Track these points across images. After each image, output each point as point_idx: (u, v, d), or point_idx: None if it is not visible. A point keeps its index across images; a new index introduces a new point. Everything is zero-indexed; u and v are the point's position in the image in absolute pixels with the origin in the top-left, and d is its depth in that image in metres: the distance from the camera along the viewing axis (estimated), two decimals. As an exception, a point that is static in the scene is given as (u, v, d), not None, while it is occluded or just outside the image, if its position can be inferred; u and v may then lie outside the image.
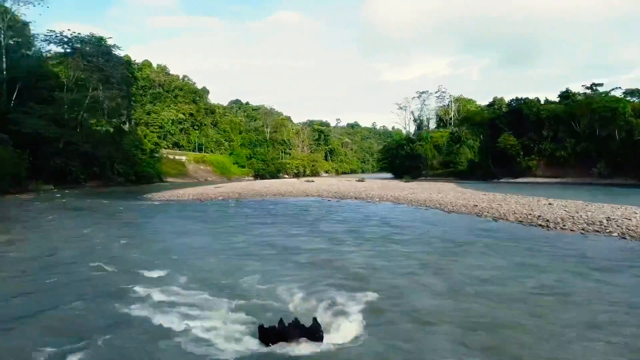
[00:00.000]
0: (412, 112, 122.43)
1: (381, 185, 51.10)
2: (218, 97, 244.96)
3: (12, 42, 55.87)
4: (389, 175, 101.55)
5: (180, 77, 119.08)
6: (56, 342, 6.87)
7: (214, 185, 53.51)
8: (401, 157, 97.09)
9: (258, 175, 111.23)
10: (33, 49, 61.48)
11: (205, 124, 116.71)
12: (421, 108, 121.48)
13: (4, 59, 52.02)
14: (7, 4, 54.98)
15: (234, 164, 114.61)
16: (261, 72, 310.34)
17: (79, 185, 53.84)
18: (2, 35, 53.42)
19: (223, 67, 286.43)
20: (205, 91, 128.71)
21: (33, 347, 6.72)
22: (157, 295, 9.14)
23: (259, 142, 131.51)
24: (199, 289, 9.59)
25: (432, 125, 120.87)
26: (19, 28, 57.34)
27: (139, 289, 9.53)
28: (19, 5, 56.17)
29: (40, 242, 16.17)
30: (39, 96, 54.68)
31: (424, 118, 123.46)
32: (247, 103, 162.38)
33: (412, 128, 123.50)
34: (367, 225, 20.03)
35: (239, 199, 35.62)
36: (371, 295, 9.02)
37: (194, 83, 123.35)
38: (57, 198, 39.20)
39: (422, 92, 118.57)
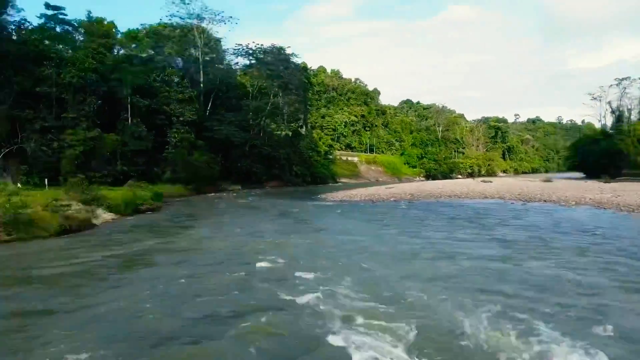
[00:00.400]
0: (609, 102, 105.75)
1: (574, 186, 44.77)
2: (389, 98, 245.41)
3: (208, 58, 62.79)
4: (580, 174, 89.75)
5: (353, 80, 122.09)
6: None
7: (386, 186, 52.90)
8: (595, 153, 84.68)
9: (429, 176, 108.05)
10: (224, 62, 68.42)
11: (376, 125, 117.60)
12: (621, 97, 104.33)
13: (201, 73, 58.70)
14: (204, 24, 62.24)
15: (404, 164, 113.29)
16: (432, 70, 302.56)
17: (261, 186, 58.18)
18: (200, 53, 60.43)
19: (393, 68, 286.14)
20: (376, 92, 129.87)
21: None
22: (322, 300, 8.64)
23: (431, 141, 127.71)
24: (367, 299, 8.74)
25: (635, 116, 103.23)
26: (213, 45, 64.28)
27: (304, 293, 9.15)
28: (213, 24, 63.32)
29: (225, 238, 17.41)
30: (229, 105, 60.70)
31: (625, 109, 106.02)
32: (418, 102, 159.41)
33: (608, 121, 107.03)
34: (558, 232, 17.19)
35: (411, 200, 34.23)
36: (574, 322, 7.10)
37: (366, 85, 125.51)
38: (242, 197, 42.69)
39: (623, 79, 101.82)
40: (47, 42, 43.98)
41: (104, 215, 21.81)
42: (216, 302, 8.81)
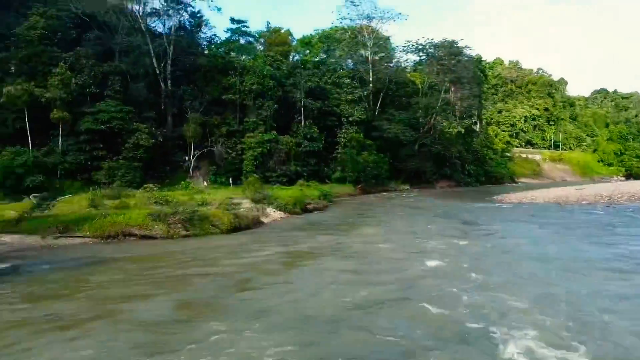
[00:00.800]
0: None
1: None
2: (578, 88, 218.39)
3: (377, 58, 62.72)
4: None
5: (534, 70, 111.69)
6: None
7: (575, 187, 46.45)
8: None
9: (631, 175, 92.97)
10: (393, 60, 67.69)
11: (562, 119, 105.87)
12: None
13: (370, 73, 58.83)
14: (373, 24, 62.28)
15: (598, 162, 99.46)
16: (633, 54, 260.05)
17: (430, 186, 56.03)
18: (369, 53, 60.65)
19: (583, 55, 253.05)
20: (562, 83, 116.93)
21: None
22: (496, 320, 7.38)
23: (632, 135, 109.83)
24: (549, 323, 7.22)
25: None
26: (382, 44, 64.00)
27: (473, 310, 8.00)
28: (382, 23, 62.99)
29: (390, 239, 16.78)
30: (398, 103, 59.81)
31: None
32: (615, 91, 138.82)
33: None
34: None
35: (610, 204, 29.08)
36: None
37: (550, 75, 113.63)
38: (410, 197, 41.52)
39: None
40: (232, 53, 48.41)
41: (272, 214, 22.58)
42: (379, 311, 8.29)
